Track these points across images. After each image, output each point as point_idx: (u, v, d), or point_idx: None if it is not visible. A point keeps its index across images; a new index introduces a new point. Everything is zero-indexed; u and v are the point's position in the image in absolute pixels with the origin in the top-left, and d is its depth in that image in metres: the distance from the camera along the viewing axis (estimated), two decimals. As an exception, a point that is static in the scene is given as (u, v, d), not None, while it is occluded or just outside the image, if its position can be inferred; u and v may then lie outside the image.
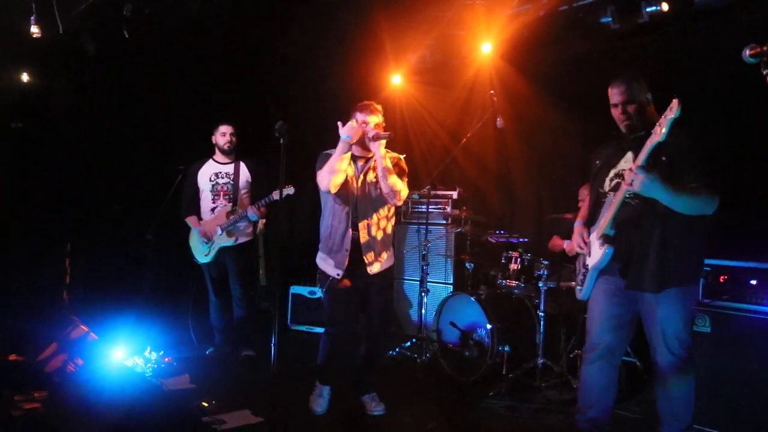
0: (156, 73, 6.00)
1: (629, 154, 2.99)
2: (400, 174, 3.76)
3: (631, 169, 2.70)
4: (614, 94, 2.99)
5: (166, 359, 4.64)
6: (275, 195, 4.74)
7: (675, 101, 2.54)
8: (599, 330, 3.05)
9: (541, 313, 4.56)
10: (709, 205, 2.76)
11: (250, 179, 5.14)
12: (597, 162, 3.22)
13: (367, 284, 3.83)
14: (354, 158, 3.80)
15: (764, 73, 2.12)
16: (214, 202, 5.07)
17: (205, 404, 3.81)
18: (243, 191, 5.11)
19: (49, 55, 5.61)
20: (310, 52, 6.13)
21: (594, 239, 3.06)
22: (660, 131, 2.59)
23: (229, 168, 5.11)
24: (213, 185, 5.07)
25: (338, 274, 3.75)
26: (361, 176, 3.77)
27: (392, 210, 3.90)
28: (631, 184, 2.68)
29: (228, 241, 4.99)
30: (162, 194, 5.23)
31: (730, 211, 4.07)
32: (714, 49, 4.42)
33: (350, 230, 3.73)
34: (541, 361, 4.46)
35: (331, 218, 3.80)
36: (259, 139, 5.23)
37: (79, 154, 6.11)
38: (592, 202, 3.20)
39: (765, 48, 2.11)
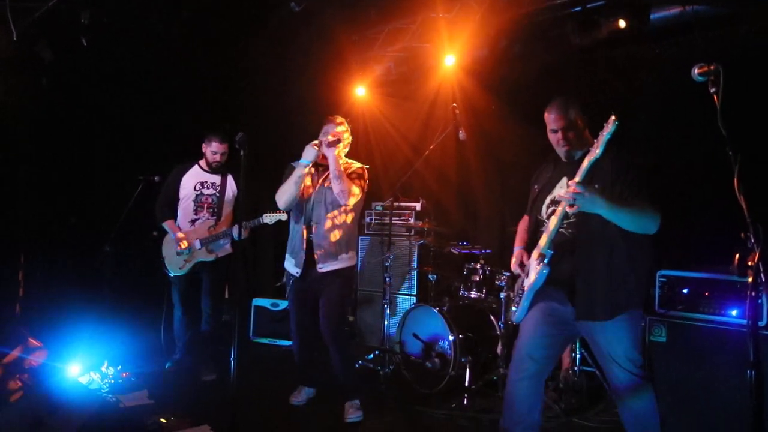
0: (115, 83, 5.90)
1: (564, 180, 2.98)
2: (356, 179, 4.03)
3: (569, 187, 2.63)
4: (552, 120, 2.97)
5: (124, 374, 4.53)
6: (265, 218, 4.60)
7: (611, 118, 2.54)
8: (531, 347, 2.99)
9: (502, 324, 4.60)
10: (652, 222, 2.73)
11: (236, 193, 4.98)
12: (535, 187, 3.21)
13: (319, 283, 4.04)
14: (317, 165, 4.11)
15: (711, 91, 2.17)
16: (196, 214, 4.89)
17: (163, 420, 3.74)
18: (228, 206, 4.96)
19: (3, 63, 5.46)
20: (274, 64, 6.11)
21: (532, 260, 3.02)
22: (597, 147, 2.59)
23: (216, 179, 4.94)
24: (197, 195, 4.90)
25: (297, 272, 4.05)
26: (320, 181, 4.09)
27: (349, 214, 4.09)
28: (572, 204, 2.62)
29: (208, 257, 4.85)
30: (120, 205, 5.12)
31: (682, 222, 4.20)
32: (669, 66, 4.55)
33: (306, 234, 4.04)
34: (503, 372, 4.48)
35: (294, 221, 4.16)
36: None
37: (34, 163, 5.95)
38: (531, 228, 3.19)
39: (713, 67, 2.16)
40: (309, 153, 3.88)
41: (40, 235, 5.86)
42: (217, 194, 4.91)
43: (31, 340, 4.10)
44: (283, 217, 4.53)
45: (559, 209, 2.81)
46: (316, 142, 3.91)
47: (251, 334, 6.26)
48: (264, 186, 4.41)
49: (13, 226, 5.78)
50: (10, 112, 5.83)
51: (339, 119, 4.11)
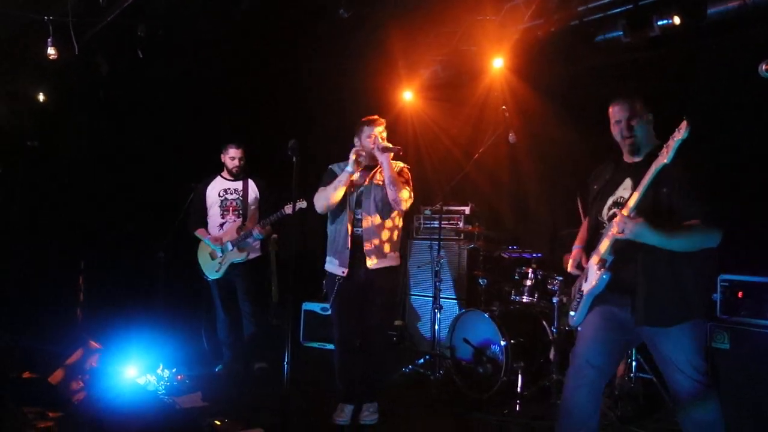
0: (169, 92, 6.06)
1: (628, 181, 2.89)
2: (405, 182, 3.99)
3: (622, 214, 2.63)
4: (616, 112, 2.90)
5: (179, 377, 4.63)
6: (286, 210, 4.69)
7: (684, 123, 2.43)
8: (591, 352, 2.91)
9: (555, 329, 4.51)
10: (710, 240, 2.65)
11: (258, 196, 5.17)
12: (594, 186, 3.12)
13: (368, 283, 3.96)
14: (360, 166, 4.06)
15: (780, 87, 2.09)
16: (223, 218, 5.08)
17: (218, 422, 3.79)
18: (252, 207, 5.14)
19: (65, 75, 5.69)
20: (322, 70, 6.18)
21: (592, 264, 2.95)
22: (667, 153, 2.48)
23: (238, 185, 5.15)
24: (222, 200, 5.10)
25: (343, 272, 3.95)
26: (366, 181, 4.01)
27: (396, 214, 4.05)
28: (622, 232, 2.61)
29: (239, 257, 5.00)
30: (173, 212, 5.26)
31: (744, 224, 4.05)
32: (727, 63, 4.40)
33: (351, 230, 3.97)
34: (557, 378, 4.40)
35: (335, 222, 4.06)
36: (271, 157, 5.26)
37: (93, 172, 6.16)
38: (590, 228, 3.11)
39: (782, 63, 2.08)
40: (352, 162, 3.89)
41: (99, 241, 6.06)
42: (240, 198, 5.11)
43: (92, 343, 4.24)
44: (303, 204, 4.52)
45: (614, 232, 2.75)
46: (360, 150, 3.92)
47: (301, 338, 6.32)
48: (314, 191, 4.44)
49: (73, 234, 6.00)
50: (71, 122, 6.07)
51: (382, 120, 4.04)
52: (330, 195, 3.93)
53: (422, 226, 6.11)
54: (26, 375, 4.13)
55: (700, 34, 4.54)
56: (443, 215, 5.52)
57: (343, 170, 3.95)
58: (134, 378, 4.22)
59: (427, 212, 6.00)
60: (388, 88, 6.46)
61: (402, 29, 5.51)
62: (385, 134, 3.99)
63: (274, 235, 5.32)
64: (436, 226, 5.52)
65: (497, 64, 5.57)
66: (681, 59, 4.81)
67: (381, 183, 3.96)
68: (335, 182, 3.93)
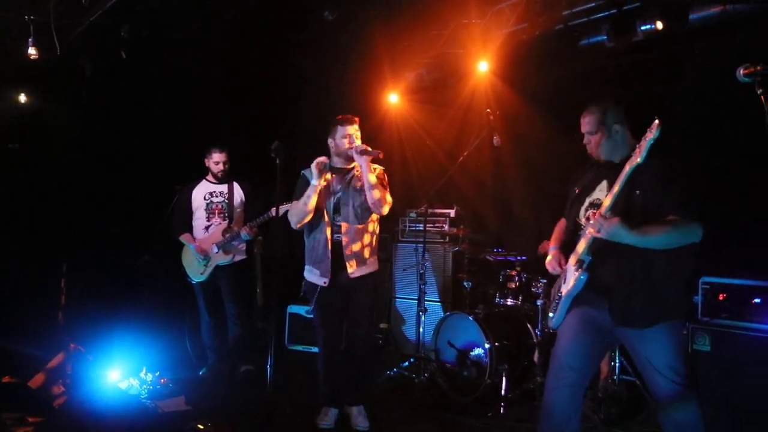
0: (153, 94, 6.01)
1: (604, 183, 2.92)
2: (383, 186, 3.92)
3: (600, 214, 2.65)
4: (582, 123, 2.98)
5: (162, 380, 4.60)
6: (271, 212, 4.72)
7: (655, 122, 2.48)
8: (570, 354, 2.93)
9: (539, 332, 4.53)
10: (691, 234, 2.66)
11: (244, 199, 5.17)
12: (575, 189, 3.15)
13: (350, 289, 3.92)
14: (335, 170, 3.98)
15: (758, 92, 2.11)
16: (208, 220, 5.08)
17: (201, 426, 3.76)
18: (238, 210, 5.13)
19: (47, 76, 5.62)
20: (307, 72, 6.16)
21: (570, 265, 2.97)
22: (639, 153, 2.54)
23: (224, 188, 5.15)
24: (208, 204, 5.09)
25: (325, 282, 3.89)
26: (343, 186, 3.92)
27: (375, 219, 4.00)
28: (598, 231, 2.64)
29: (225, 259, 4.98)
30: (158, 214, 5.22)
31: (726, 227, 4.10)
32: (709, 68, 4.44)
33: (330, 238, 3.88)
34: (540, 380, 4.41)
35: (314, 230, 3.97)
36: (255, 159, 5.24)
37: (76, 174, 6.09)
38: (569, 229, 3.13)
39: (759, 68, 2.11)
40: (316, 175, 3.80)
41: (82, 244, 5.99)
42: (226, 200, 5.12)
43: (73, 347, 4.19)
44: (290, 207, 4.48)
45: (590, 231, 2.77)
46: (322, 161, 3.82)
47: (286, 341, 6.29)
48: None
49: (55, 235, 5.92)
50: (54, 124, 5.99)
51: (355, 119, 3.95)
52: (301, 210, 3.85)
53: (407, 229, 6.11)
54: (6, 379, 4.07)
55: (683, 39, 4.59)
56: (428, 218, 5.52)
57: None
58: (117, 382, 4.19)
59: (412, 215, 6.00)
60: (373, 91, 6.45)
61: (387, 32, 5.51)
62: (359, 134, 3.92)
63: (259, 237, 5.31)
64: (420, 229, 5.53)
65: (482, 67, 5.58)
66: (664, 64, 4.86)
67: (359, 188, 3.88)
68: (304, 197, 3.84)
